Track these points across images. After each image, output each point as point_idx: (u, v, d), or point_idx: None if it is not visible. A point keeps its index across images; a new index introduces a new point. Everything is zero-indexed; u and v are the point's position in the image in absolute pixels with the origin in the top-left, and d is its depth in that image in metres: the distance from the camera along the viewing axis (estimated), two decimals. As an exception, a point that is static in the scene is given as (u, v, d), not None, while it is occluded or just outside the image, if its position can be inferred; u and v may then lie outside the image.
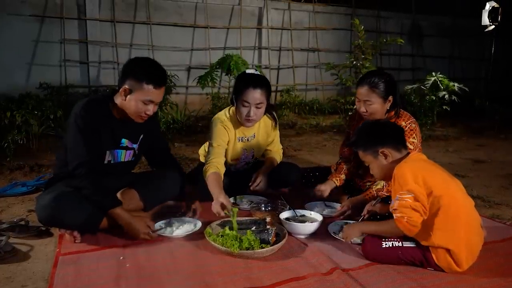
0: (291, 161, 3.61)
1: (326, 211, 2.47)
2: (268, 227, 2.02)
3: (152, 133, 2.34)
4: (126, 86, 2.03)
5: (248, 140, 2.69)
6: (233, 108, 2.60)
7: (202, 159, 2.84)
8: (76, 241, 2.01)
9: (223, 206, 2.17)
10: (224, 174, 2.58)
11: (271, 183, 2.66)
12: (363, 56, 5.94)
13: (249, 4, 7.52)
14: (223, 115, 2.62)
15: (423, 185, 1.70)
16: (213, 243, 1.91)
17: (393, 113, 2.43)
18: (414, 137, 2.33)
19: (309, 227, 2.11)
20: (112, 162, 2.20)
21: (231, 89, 2.67)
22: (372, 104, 2.35)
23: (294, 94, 7.46)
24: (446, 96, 6.03)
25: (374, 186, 2.38)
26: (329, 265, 1.81)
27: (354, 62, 6.03)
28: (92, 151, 2.03)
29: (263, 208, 2.40)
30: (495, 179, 3.53)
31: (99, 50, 6.36)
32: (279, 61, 7.94)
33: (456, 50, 9.77)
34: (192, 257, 1.90)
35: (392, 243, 1.81)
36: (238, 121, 2.58)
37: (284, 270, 1.77)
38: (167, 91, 5.62)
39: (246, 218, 2.22)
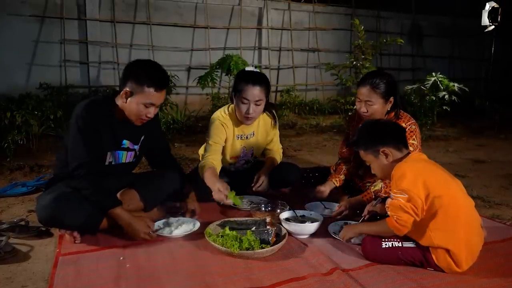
0: (291, 161, 3.60)
1: (326, 212, 2.47)
2: (268, 227, 2.02)
3: (153, 133, 2.34)
4: (127, 89, 2.03)
5: (247, 137, 2.69)
6: (232, 106, 2.61)
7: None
8: (76, 241, 2.01)
9: (222, 192, 2.22)
10: (224, 174, 2.59)
11: (271, 183, 2.66)
12: (363, 56, 5.94)
13: (249, 4, 7.52)
14: (222, 112, 2.62)
15: (423, 188, 1.70)
16: (213, 243, 1.91)
17: (393, 114, 2.43)
18: (414, 139, 2.33)
19: (309, 228, 2.11)
20: (113, 163, 2.20)
21: (231, 89, 2.68)
22: (373, 105, 2.35)
23: (294, 94, 7.46)
24: (446, 96, 6.03)
25: (372, 187, 2.38)
26: (329, 266, 1.81)
27: (354, 62, 6.03)
28: (93, 152, 2.03)
29: (263, 209, 2.40)
30: (495, 179, 3.53)
31: (99, 50, 6.36)
32: (279, 61, 7.94)
33: (456, 50, 9.77)
34: (192, 258, 1.90)
35: (392, 243, 1.81)
36: (237, 119, 2.59)
37: (284, 271, 1.77)
38: (167, 92, 5.61)
39: (246, 218, 2.22)
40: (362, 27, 5.94)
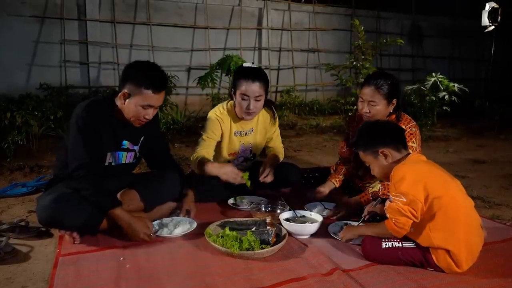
0: (291, 161, 3.60)
1: (326, 212, 2.47)
2: (268, 227, 2.02)
3: (152, 134, 2.34)
4: (125, 91, 2.03)
5: (246, 134, 2.69)
6: (231, 102, 2.61)
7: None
8: (75, 242, 2.01)
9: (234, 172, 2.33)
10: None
11: (271, 184, 2.66)
12: (363, 57, 5.94)
13: (249, 4, 7.52)
14: (220, 108, 2.64)
15: (423, 190, 1.70)
16: (213, 243, 1.91)
17: (394, 116, 2.42)
18: (413, 141, 2.32)
19: (309, 228, 2.11)
20: (113, 164, 2.20)
21: (230, 86, 2.69)
22: (376, 106, 2.34)
23: (294, 95, 7.46)
24: (446, 96, 6.03)
25: (370, 189, 2.37)
26: (329, 266, 1.81)
27: (354, 63, 6.03)
28: (92, 152, 2.02)
29: (263, 209, 2.41)
30: (495, 179, 3.54)
31: (99, 50, 6.36)
32: (279, 62, 7.94)
33: (456, 50, 9.78)
34: (192, 258, 1.90)
35: (392, 244, 1.81)
36: (236, 115, 2.59)
37: (284, 271, 1.77)
38: (167, 92, 5.62)
39: (246, 218, 2.22)
40: (362, 27, 5.94)
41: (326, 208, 2.51)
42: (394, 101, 2.37)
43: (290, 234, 2.08)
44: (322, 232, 2.14)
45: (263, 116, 2.73)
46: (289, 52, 7.94)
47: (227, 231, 1.98)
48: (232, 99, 2.58)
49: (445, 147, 5.11)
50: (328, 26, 8.24)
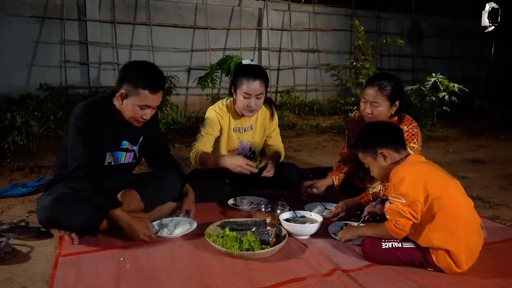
0: (291, 162, 3.60)
1: (326, 212, 2.47)
2: (268, 228, 2.02)
3: (152, 134, 2.34)
4: (123, 91, 2.03)
5: (244, 130, 2.70)
6: (231, 99, 2.61)
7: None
8: (74, 242, 2.01)
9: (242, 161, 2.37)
10: (224, 174, 2.58)
11: (271, 184, 2.66)
12: (363, 57, 5.95)
13: (249, 5, 7.53)
14: (219, 104, 2.65)
15: (423, 191, 1.70)
16: (213, 244, 1.91)
17: (396, 118, 2.41)
18: (415, 142, 2.32)
19: (309, 228, 2.11)
20: (112, 164, 2.20)
21: (230, 84, 2.69)
22: (379, 107, 2.33)
23: (294, 95, 7.46)
24: (446, 97, 6.04)
25: (370, 190, 2.37)
26: (329, 266, 1.81)
27: (354, 63, 6.03)
28: (92, 153, 2.02)
29: (263, 209, 2.41)
30: (495, 179, 3.54)
31: (99, 51, 6.36)
32: (279, 62, 7.94)
33: (456, 51, 9.78)
34: (192, 258, 1.90)
35: (392, 244, 1.81)
36: (235, 111, 2.60)
37: (284, 271, 1.77)
38: (167, 92, 5.63)
39: (246, 219, 2.22)
40: (362, 27, 5.95)
41: (326, 209, 2.51)
42: (397, 103, 2.36)
43: (290, 234, 2.08)
44: (322, 232, 2.14)
45: (262, 113, 2.74)
46: (289, 53, 7.94)
47: (227, 231, 1.98)
48: (232, 96, 2.58)
49: (445, 147, 5.11)
50: (328, 27, 8.24)
